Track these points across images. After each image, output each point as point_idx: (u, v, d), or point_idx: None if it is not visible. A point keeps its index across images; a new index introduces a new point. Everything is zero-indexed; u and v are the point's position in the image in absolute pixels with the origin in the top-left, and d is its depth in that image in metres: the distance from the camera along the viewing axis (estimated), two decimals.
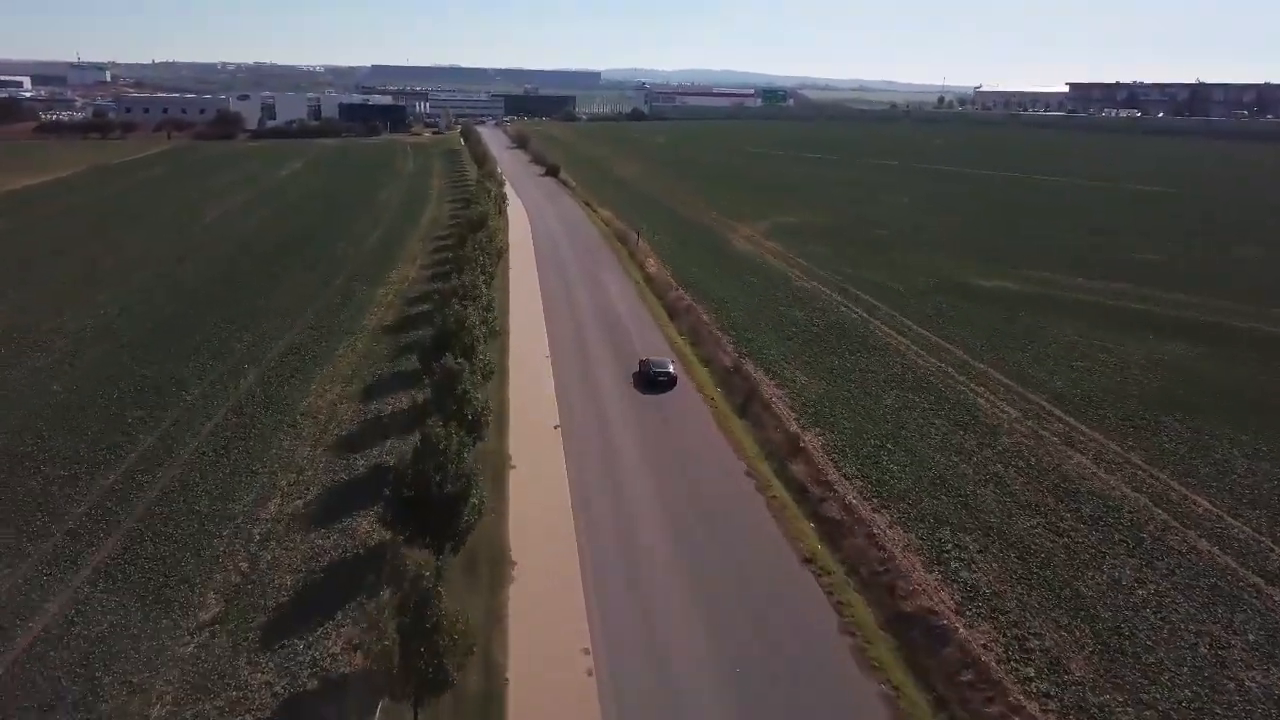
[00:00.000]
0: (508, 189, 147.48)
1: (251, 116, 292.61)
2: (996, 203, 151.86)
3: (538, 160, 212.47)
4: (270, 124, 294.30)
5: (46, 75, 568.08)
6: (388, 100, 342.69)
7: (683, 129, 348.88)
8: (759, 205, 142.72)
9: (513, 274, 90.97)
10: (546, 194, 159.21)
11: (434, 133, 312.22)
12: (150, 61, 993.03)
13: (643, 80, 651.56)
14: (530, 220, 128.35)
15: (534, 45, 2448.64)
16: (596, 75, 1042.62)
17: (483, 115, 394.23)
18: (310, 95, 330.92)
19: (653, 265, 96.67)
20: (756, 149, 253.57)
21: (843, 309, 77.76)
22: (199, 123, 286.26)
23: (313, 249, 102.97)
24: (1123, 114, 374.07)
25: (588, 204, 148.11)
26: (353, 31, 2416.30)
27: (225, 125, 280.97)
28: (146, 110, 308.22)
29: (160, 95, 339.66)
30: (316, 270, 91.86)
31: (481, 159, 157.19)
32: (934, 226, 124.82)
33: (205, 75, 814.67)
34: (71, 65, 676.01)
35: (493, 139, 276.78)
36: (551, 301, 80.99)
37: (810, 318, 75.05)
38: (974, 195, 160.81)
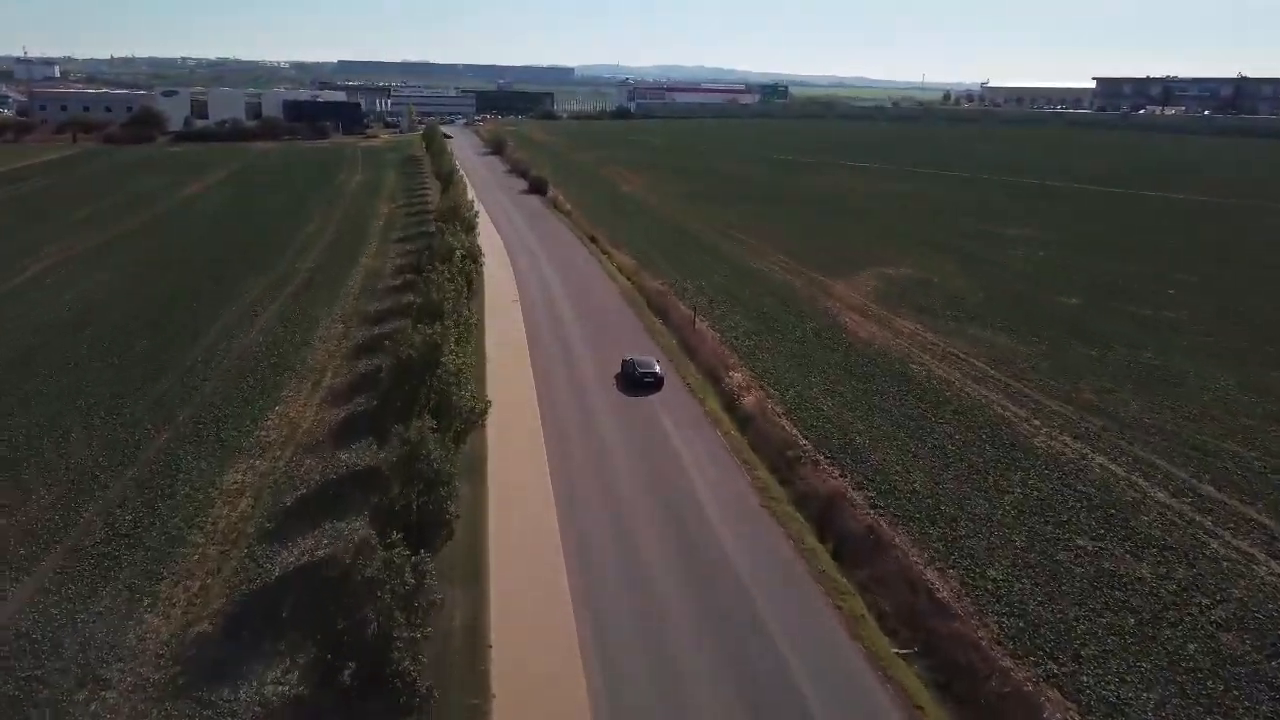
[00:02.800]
0: (482, 218, 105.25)
1: (176, 115, 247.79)
2: (1184, 241, 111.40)
3: (517, 170, 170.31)
4: (200, 124, 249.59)
5: None
6: (339, 96, 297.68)
7: (678, 129, 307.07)
8: (841, 244, 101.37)
9: (499, 415, 48.41)
10: (535, 224, 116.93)
11: (394, 134, 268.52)
12: (109, 57, 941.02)
13: (625, 76, 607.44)
14: (517, 275, 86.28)
15: (506, 41, 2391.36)
16: (570, 71, 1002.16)
17: (452, 113, 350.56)
18: (250, 91, 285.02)
19: (743, 384, 54.64)
20: (779, 154, 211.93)
21: (1233, 559, 36.06)
22: (114, 122, 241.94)
23: (154, 345, 60.41)
24: (1169, 111, 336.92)
25: (593, 239, 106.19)
26: (320, 27, 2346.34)
27: (143, 126, 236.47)
28: (64, 108, 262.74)
29: (68, 90, 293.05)
30: (128, 409, 49.22)
31: (447, 176, 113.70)
32: (1132, 285, 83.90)
33: (164, 71, 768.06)
34: (18, 60, 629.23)
35: (463, 142, 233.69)
36: (578, 536, 38.28)
37: (1194, 598, 33.37)
38: (1142, 229, 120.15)
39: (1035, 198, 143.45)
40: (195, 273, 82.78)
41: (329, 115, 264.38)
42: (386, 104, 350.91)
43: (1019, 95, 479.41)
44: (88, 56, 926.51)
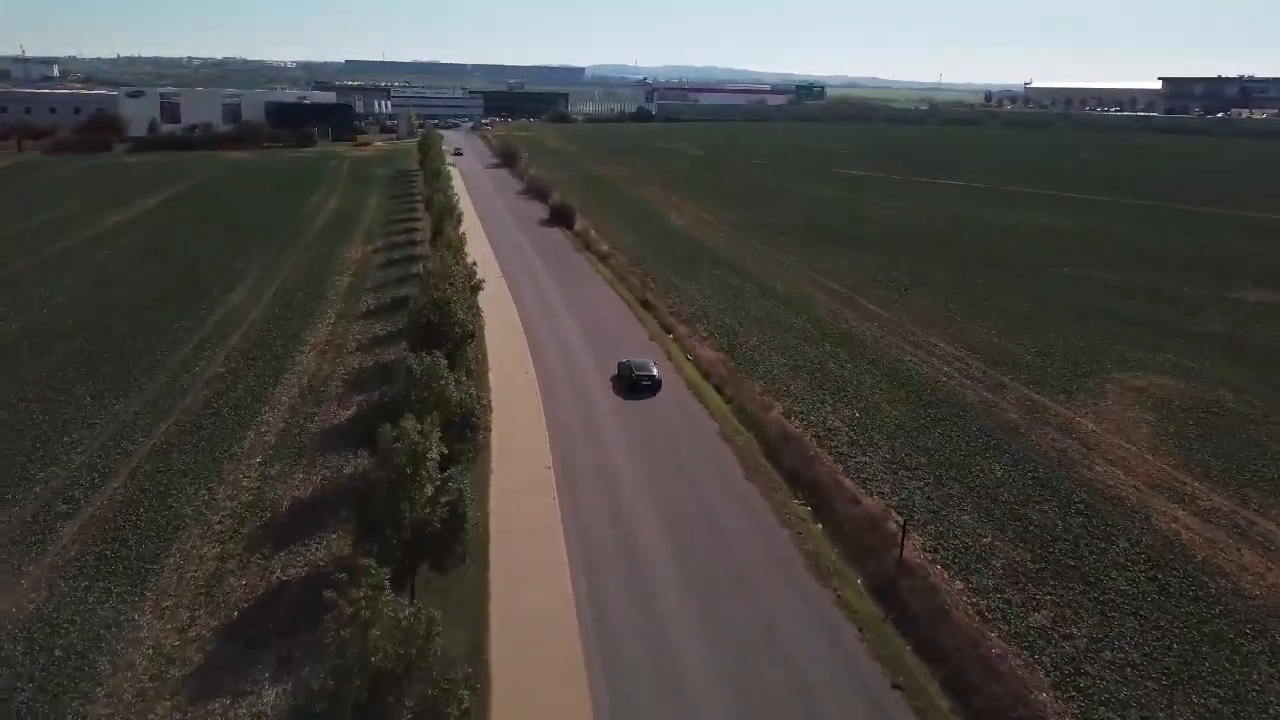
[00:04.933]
0: (491, 271, 72.57)
1: (140, 119, 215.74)
2: None
3: (535, 191, 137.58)
4: (168, 129, 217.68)
5: None
6: (329, 98, 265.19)
7: (710, 134, 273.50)
8: (1032, 326, 67.72)
9: None
10: (564, 279, 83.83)
11: (391, 140, 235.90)
12: (116, 56, 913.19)
13: (642, 76, 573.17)
14: (546, 392, 53.03)
15: (514, 42, 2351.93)
16: (580, 71, 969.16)
17: (457, 116, 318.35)
18: (229, 91, 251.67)
19: None
20: (846, 168, 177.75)
21: None
22: (70, 126, 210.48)
23: None
24: (1259, 114, 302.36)
25: (646, 305, 73.29)
26: (328, 27, 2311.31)
27: (100, 131, 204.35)
28: (29, 110, 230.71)
29: (26, 90, 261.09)
30: None
31: (439, 220, 79.55)
32: None
33: (169, 70, 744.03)
34: (15, 60, 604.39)
35: (468, 150, 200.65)
36: None
37: None
38: None
39: (1227, 236, 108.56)
40: (11, 398, 49.75)
41: (317, 119, 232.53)
42: (386, 105, 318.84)
43: (1067, 96, 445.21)
44: (94, 56, 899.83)
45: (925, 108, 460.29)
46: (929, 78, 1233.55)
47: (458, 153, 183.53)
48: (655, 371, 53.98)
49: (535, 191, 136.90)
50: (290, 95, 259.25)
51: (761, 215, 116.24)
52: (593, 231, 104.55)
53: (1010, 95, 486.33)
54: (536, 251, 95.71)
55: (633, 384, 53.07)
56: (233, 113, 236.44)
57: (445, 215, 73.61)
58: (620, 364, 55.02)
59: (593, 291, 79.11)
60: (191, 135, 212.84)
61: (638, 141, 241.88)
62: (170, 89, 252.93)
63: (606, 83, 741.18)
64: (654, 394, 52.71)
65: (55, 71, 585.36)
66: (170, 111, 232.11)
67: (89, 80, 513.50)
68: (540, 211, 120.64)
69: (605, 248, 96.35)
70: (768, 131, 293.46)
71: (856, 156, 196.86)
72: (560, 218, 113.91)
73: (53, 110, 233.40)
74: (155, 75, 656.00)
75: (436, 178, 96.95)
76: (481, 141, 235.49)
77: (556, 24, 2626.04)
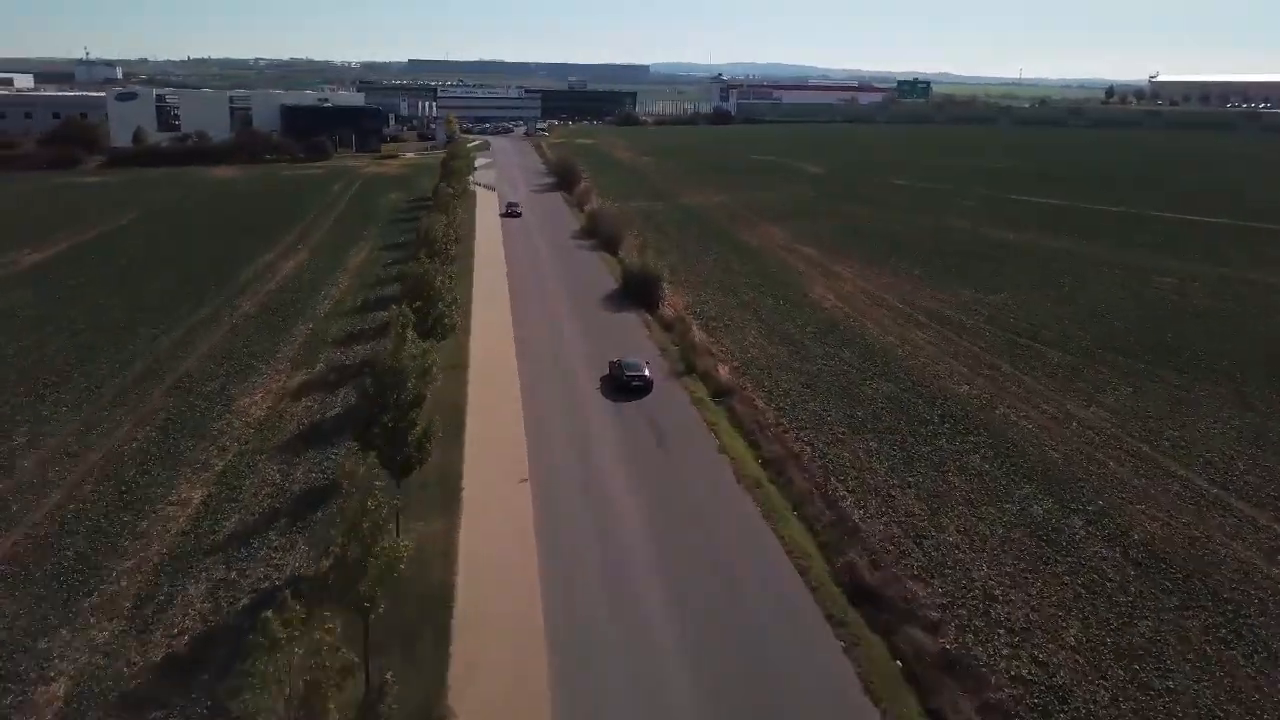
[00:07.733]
0: (519, 496, 29.27)
1: (123, 127, 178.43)
2: None
3: (598, 234, 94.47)
4: (161, 137, 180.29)
5: (54, 73, 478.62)
6: (356, 100, 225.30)
7: (808, 140, 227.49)
8: None
9: None
10: (654, 480, 39.33)
11: (425, 150, 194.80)
12: (186, 58, 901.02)
13: (718, 73, 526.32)
14: None
15: (578, 40, 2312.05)
16: (645, 69, 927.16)
17: (512, 119, 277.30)
18: (237, 93, 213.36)
19: None
20: (1030, 193, 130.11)
21: None
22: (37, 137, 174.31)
23: None
24: None
25: (861, 596, 29.51)
26: (394, 27, 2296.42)
27: (67, 145, 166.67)
28: (28, 114, 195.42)
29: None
30: None
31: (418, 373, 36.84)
32: None
33: (235, 71, 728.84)
34: (79, 62, 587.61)
35: (515, 164, 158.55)
36: None
37: None
38: None
39: None
40: None
41: (339, 124, 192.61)
42: (431, 108, 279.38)
43: (1204, 91, 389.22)
44: (164, 59, 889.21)
45: (1037, 104, 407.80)
46: (1006, 73, 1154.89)
47: (513, 211, 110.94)
48: (647, 372, 49.88)
49: (599, 235, 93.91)
50: (309, 97, 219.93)
51: (969, 290, 70.87)
52: (694, 327, 60.95)
53: (1136, 91, 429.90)
54: (599, 376, 52.14)
55: (623, 385, 49.20)
56: (244, 118, 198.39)
57: (415, 378, 30.44)
58: (611, 363, 51.23)
59: (721, 529, 35.09)
60: (180, 146, 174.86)
61: (725, 150, 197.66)
62: (169, 90, 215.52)
63: (674, 80, 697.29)
64: (646, 394, 48.20)
65: (119, 73, 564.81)
66: (167, 115, 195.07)
67: (149, 82, 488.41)
68: (606, 275, 77.49)
69: (723, 372, 52.55)
70: (879, 137, 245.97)
71: (1027, 176, 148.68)
72: (637, 291, 70.52)
73: (28, 115, 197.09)
74: (221, 77, 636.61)
75: (440, 230, 52.74)
76: (535, 152, 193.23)
77: (619, 22, 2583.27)
